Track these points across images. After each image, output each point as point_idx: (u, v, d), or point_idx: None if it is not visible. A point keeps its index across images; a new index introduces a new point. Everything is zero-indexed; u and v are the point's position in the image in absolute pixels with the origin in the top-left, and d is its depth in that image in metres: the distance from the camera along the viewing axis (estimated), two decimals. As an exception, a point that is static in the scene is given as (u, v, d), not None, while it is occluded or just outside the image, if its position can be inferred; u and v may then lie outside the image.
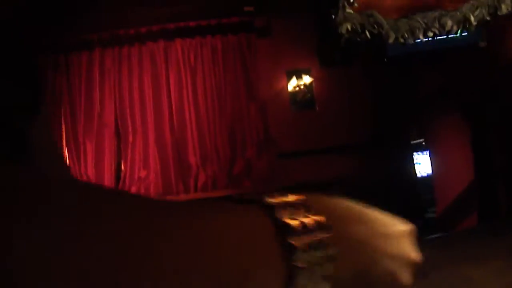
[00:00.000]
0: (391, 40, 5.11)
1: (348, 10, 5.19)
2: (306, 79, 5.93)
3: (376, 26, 5.07)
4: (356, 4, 5.17)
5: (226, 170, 5.78)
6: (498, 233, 4.91)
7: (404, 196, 6.04)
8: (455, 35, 5.52)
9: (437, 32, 5.30)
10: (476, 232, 5.44)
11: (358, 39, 4.99)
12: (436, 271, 4.07)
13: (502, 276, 3.61)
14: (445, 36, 5.75)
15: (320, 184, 5.77)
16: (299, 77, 5.93)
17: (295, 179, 5.74)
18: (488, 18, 5.25)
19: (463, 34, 5.59)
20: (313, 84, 5.98)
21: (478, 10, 5.38)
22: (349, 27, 4.92)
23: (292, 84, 5.93)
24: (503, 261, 3.88)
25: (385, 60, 5.75)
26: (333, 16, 4.94)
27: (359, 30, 4.96)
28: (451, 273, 3.86)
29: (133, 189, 5.67)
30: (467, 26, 5.43)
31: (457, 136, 6.49)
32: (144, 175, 5.73)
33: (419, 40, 5.30)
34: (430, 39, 5.69)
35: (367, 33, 5.01)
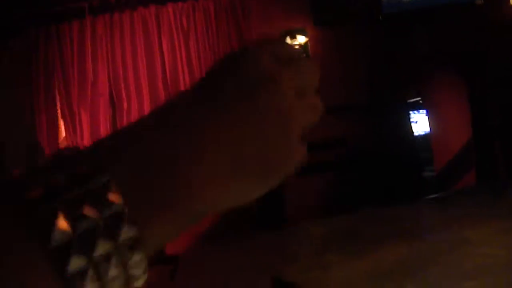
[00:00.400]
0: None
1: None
2: (301, 39, 5.86)
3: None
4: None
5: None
6: (497, 193, 4.95)
7: (402, 155, 6.03)
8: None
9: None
10: (475, 192, 5.48)
11: None
12: (435, 233, 4.10)
13: (501, 236, 3.63)
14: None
15: (315, 145, 5.75)
16: (293, 37, 5.86)
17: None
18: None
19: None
20: (308, 44, 5.92)
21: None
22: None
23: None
24: (502, 222, 3.90)
25: (380, 18, 5.69)
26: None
27: None
28: (449, 235, 3.89)
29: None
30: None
31: (454, 94, 6.48)
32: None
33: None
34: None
35: None
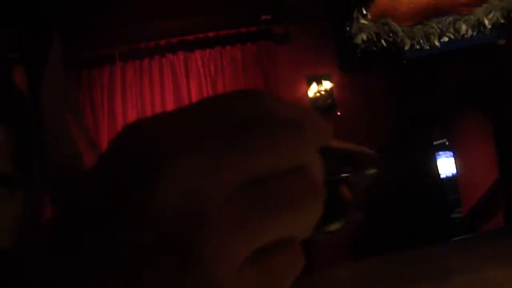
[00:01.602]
0: (407, 47, 5.13)
1: (363, 21, 5.22)
2: (326, 85, 5.94)
3: (391, 34, 5.08)
4: (369, 15, 5.19)
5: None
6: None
7: (430, 198, 6.00)
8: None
9: (452, 36, 5.30)
10: (503, 234, 5.43)
11: (374, 47, 5.01)
12: (461, 274, 4.07)
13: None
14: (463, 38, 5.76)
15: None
16: (319, 82, 5.94)
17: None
18: (502, 21, 5.21)
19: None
20: (334, 89, 5.99)
21: (492, 14, 5.36)
22: (364, 37, 4.95)
23: (313, 90, 5.95)
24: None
25: (404, 62, 5.75)
26: (347, 28, 4.96)
27: (375, 39, 4.98)
28: (477, 277, 3.86)
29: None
30: (482, 29, 5.40)
31: (480, 135, 6.47)
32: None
33: (439, 46, 5.31)
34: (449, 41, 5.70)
35: (383, 41, 5.02)
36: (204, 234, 0.22)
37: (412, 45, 5.09)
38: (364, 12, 5.22)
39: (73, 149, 0.84)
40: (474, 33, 5.28)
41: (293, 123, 0.26)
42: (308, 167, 0.26)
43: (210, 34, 5.98)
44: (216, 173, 0.23)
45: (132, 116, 5.99)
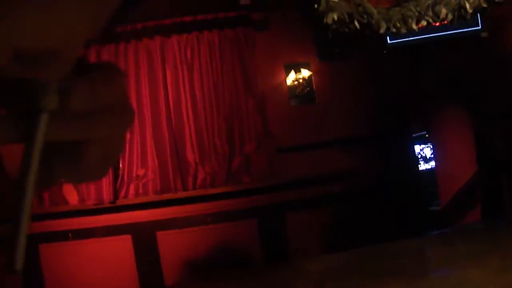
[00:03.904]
0: (382, 30, 4.98)
1: (331, -1, 5.06)
2: (305, 73, 5.85)
3: (365, 16, 4.93)
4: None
5: (225, 167, 5.72)
6: (500, 230, 4.87)
7: (407, 190, 5.96)
8: (452, 24, 5.42)
9: (430, 20, 5.17)
10: (479, 228, 5.41)
11: (347, 29, 4.87)
12: (436, 271, 4.02)
13: (501, 276, 3.55)
14: (445, 27, 5.69)
15: (321, 179, 5.72)
16: (297, 70, 5.86)
17: (295, 174, 5.68)
18: (484, 5, 5.10)
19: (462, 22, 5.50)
20: (312, 78, 5.91)
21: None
22: (335, 17, 4.79)
23: (291, 78, 5.86)
24: (504, 260, 3.82)
25: (385, 52, 5.67)
26: (315, 6, 4.81)
27: (347, 20, 4.83)
28: (451, 273, 3.81)
29: (131, 188, 5.62)
30: (463, 13, 5.27)
31: (460, 128, 6.43)
32: (142, 173, 5.67)
33: (417, 30, 5.19)
34: (431, 29, 5.62)
35: (356, 23, 4.87)
36: None
37: (388, 28, 4.95)
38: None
39: None
40: (455, 18, 5.16)
41: None
42: None
43: (187, 19, 5.86)
44: None
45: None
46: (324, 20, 4.77)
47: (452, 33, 5.85)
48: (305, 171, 5.71)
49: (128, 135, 5.79)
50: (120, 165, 5.76)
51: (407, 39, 5.71)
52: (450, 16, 5.17)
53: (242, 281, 4.53)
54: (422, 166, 6.43)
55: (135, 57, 5.89)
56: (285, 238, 5.68)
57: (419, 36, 5.72)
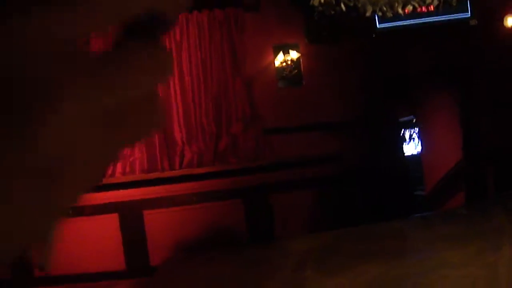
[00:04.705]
0: (368, 13, 5.01)
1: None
2: (294, 55, 5.86)
3: (352, -1, 4.95)
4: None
5: (212, 147, 5.74)
6: (482, 214, 4.91)
7: (394, 173, 6.01)
8: (438, 10, 5.43)
9: (416, 5, 5.20)
10: (460, 212, 5.45)
11: (332, 12, 4.88)
12: (416, 252, 4.07)
13: (480, 257, 3.60)
14: (435, 13, 5.71)
15: (306, 161, 5.75)
16: (286, 52, 5.86)
17: (281, 156, 5.71)
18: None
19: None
20: (301, 60, 5.92)
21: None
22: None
23: (279, 59, 5.87)
24: (483, 242, 3.87)
25: (374, 35, 5.70)
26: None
27: (333, 2, 4.84)
28: (430, 255, 3.86)
29: (118, 166, 5.64)
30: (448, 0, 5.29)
31: (447, 115, 6.47)
32: (129, 152, 5.69)
33: (403, 14, 5.21)
34: (419, 14, 5.64)
35: (342, 5, 4.89)
36: None
37: (374, 11, 4.97)
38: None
39: None
40: (440, 3, 5.18)
41: None
42: None
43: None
44: None
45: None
46: (311, 2, 4.78)
47: (441, 19, 5.87)
48: (291, 153, 5.74)
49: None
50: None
51: (396, 23, 5.73)
52: (436, 2, 5.19)
53: (225, 260, 4.56)
54: (410, 151, 6.46)
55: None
56: (270, 218, 5.72)
57: (408, 20, 5.75)
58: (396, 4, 5.03)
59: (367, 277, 3.45)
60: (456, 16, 5.81)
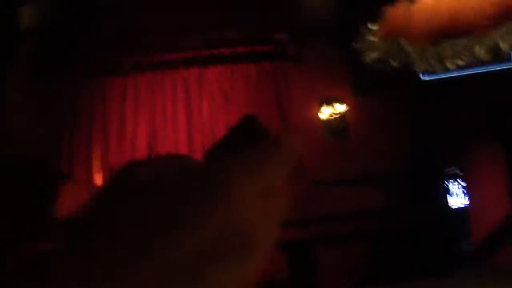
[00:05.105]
0: (418, 69, 4.99)
1: (371, 38, 5.11)
2: (340, 107, 5.87)
3: (403, 55, 4.95)
4: (379, 32, 5.08)
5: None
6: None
7: (439, 227, 5.90)
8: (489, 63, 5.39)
9: (466, 60, 5.15)
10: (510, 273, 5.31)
11: (385, 68, 4.89)
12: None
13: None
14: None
15: (351, 214, 5.69)
16: (332, 105, 5.88)
17: (326, 208, 5.66)
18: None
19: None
20: (347, 112, 5.92)
21: (510, 36, 5.21)
22: (373, 56, 4.82)
23: (326, 112, 5.88)
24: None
25: (418, 87, 5.67)
26: (355, 45, 4.84)
27: (385, 59, 4.85)
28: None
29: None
30: (498, 53, 5.24)
31: (493, 166, 6.35)
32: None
33: (453, 69, 5.19)
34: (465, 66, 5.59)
35: (393, 61, 4.89)
36: None
37: (424, 67, 4.96)
38: (372, 28, 5.12)
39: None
40: (491, 57, 5.13)
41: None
42: None
43: (225, 51, 5.94)
44: None
45: (142, 129, 5.95)
46: (364, 59, 4.81)
47: (487, 70, 5.82)
48: (336, 206, 5.69)
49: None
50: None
51: (441, 76, 5.70)
52: (487, 56, 5.15)
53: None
54: (456, 203, 6.34)
55: (172, 86, 5.97)
56: (314, 272, 5.64)
57: (453, 72, 5.71)
58: (446, 60, 5.01)
59: None
60: (503, 65, 5.76)
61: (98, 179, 5.90)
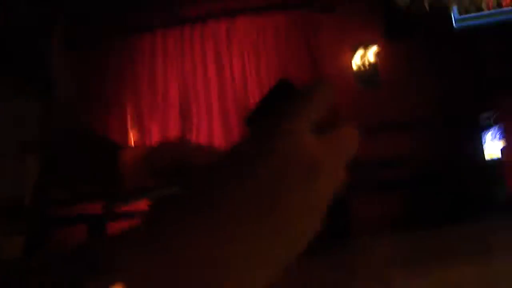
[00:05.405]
0: (451, 10, 4.90)
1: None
2: (371, 55, 5.80)
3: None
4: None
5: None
6: None
7: (473, 178, 5.83)
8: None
9: (502, 2, 5.04)
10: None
11: (418, 10, 4.81)
12: (505, 251, 3.92)
13: None
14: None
15: (384, 162, 5.67)
16: (364, 53, 5.81)
17: (360, 156, 5.64)
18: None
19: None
20: (378, 60, 5.85)
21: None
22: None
23: (357, 60, 5.82)
24: None
25: (452, 33, 5.57)
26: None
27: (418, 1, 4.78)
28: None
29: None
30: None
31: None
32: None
33: (486, 10, 5.07)
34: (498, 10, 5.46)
35: (426, 3, 4.81)
36: None
37: (458, 9, 4.86)
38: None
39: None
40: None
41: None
42: None
43: (253, 2, 5.90)
44: None
45: (173, 85, 5.97)
46: (397, 2, 4.75)
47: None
48: (369, 154, 5.67)
49: (195, 120, 5.86)
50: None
51: (473, 22, 5.59)
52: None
53: (308, 261, 4.53)
54: (491, 151, 6.24)
55: (201, 40, 5.97)
56: (349, 220, 5.64)
57: (486, 19, 5.58)
58: (481, 2, 4.90)
59: (455, 278, 3.35)
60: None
61: (133, 137, 5.96)
